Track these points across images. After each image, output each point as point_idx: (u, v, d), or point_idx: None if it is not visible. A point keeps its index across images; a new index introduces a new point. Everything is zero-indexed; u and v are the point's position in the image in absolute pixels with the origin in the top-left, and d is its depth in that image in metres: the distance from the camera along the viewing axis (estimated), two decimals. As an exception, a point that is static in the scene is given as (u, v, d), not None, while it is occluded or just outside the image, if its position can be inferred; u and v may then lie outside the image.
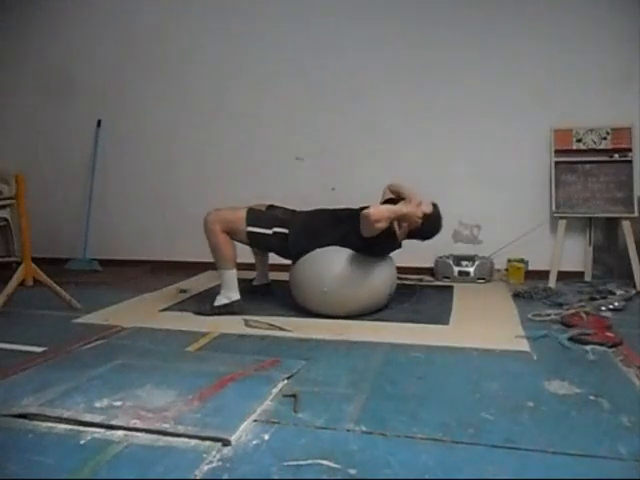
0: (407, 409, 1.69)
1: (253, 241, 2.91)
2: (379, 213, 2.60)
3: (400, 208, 2.72)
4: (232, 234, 2.88)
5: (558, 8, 3.60)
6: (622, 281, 3.43)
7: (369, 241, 2.70)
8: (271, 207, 3.13)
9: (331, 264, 2.76)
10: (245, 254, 3.21)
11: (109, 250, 4.47)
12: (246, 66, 4.13)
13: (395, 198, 3.01)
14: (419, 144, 3.85)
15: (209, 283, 3.64)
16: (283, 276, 3.52)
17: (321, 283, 2.73)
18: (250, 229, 2.86)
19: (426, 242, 3.63)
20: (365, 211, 2.60)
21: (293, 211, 3.09)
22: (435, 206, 2.87)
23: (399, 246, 2.93)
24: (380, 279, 2.83)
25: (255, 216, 2.91)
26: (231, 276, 2.88)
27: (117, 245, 4.49)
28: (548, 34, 3.62)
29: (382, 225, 2.59)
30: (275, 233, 2.87)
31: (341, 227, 2.83)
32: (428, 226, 2.84)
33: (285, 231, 2.87)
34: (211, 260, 4.17)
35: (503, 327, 2.58)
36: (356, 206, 3.00)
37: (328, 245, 2.83)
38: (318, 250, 2.82)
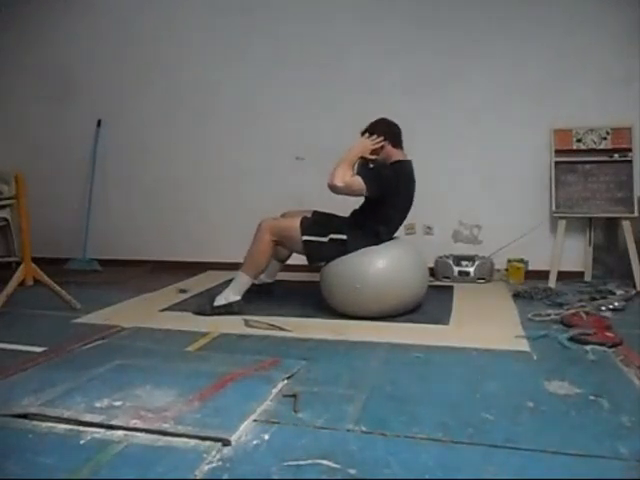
0: (407, 409, 1.69)
1: (309, 250, 2.86)
2: (335, 171, 2.73)
3: (344, 155, 2.80)
4: (285, 243, 2.91)
5: (558, 8, 3.59)
6: (622, 281, 3.43)
7: (369, 215, 2.84)
8: (316, 213, 3.08)
9: (364, 262, 2.75)
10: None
11: (109, 250, 4.47)
12: (246, 66, 4.13)
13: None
14: (419, 144, 3.83)
15: (209, 283, 3.64)
16: (283, 276, 3.53)
17: (354, 280, 2.71)
18: (306, 238, 2.84)
19: (426, 242, 3.66)
20: (329, 179, 2.72)
21: (337, 216, 3.05)
22: (378, 120, 2.94)
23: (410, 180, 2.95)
24: (413, 278, 2.82)
25: (309, 225, 2.89)
26: (246, 282, 2.90)
27: (117, 245, 4.49)
28: (548, 34, 3.62)
29: (343, 182, 2.70)
30: (331, 240, 2.84)
31: (371, 221, 2.89)
32: (385, 129, 2.90)
33: (342, 237, 2.83)
34: (211, 260, 4.23)
35: (503, 327, 2.58)
36: (355, 206, 3.02)
37: (379, 243, 2.85)
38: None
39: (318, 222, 2.95)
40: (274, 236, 2.87)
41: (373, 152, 2.89)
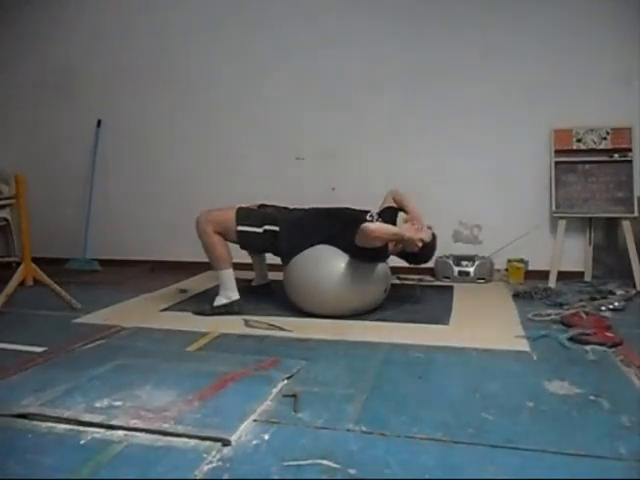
0: (407, 409, 1.69)
1: (244, 240, 2.89)
2: (380, 231, 2.62)
3: (403, 232, 2.72)
4: (224, 234, 2.87)
5: (558, 8, 3.59)
6: (622, 281, 3.43)
7: (359, 248, 2.69)
8: (262, 206, 3.11)
9: (324, 263, 2.75)
10: (244, 254, 3.20)
11: (109, 250, 4.47)
12: (246, 66, 4.13)
13: (396, 207, 3.02)
14: (419, 144, 3.85)
15: (209, 283, 3.64)
16: (283, 276, 3.53)
17: (315, 283, 2.73)
18: (240, 228, 2.85)
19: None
20: (367, 226, 2.59)
21: (285, 208, 3.08)
22: (434, 237, 2.87)
23: (386, 258, 2.93)
24: (374, 276, 2.82)
25: (245, 215, 2.89)
26: (228, 275, 2.88)
27: (117, 245, 4.49)
28: (548, 34, 3.62)
29: (379, 243, 2.63)
30: (266, 231, 2.86)
31: (333, 226, 2.83)
32: (421, 254, 2.83)
33: (276, 229, 2.86)
34: (211, 260, 4.23)
35: (503, 327, 2.58)
36: (355, 206, 3.01)
37: (318, 243, 2.81)
38: (310, 249, 2.81)
39: (255, 212, 2.96)
40: (213, 226, 2.84)
41: (407, 245, 2.77)
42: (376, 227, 2.63)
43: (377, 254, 2.79)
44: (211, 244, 2.84)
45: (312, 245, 2.82)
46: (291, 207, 3.10)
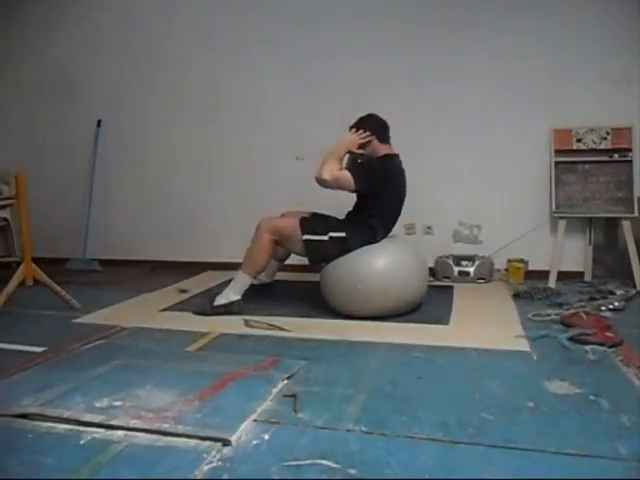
0: (407, 409, 1.69)
1: (310, 249, 2.86)
2: (319, 170, 2.75)
3: (331, 149, 2.83)
4: (284, 243, 2.91)
5: (558, 8, 3.59)
6: (622, 281, 3.43)
7: (375, 199, 2.83)
8: (316, 215, 3.07)
9: (364, 262, 2.75)
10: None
11: (109, 250, 4.47)
12: (246, 66, 4.13)
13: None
14: (419, 144, 3.84)
15: (209, 283, 3.64)
16: (283, 276, 3.54)
17: (354, 281, 2.71)
18: (307, 237, 2.84)
19: (426, 242, 3.65)
20: (316, 177, 2.74)
21: (332, 217, 3.04)
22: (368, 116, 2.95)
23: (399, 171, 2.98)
24: (413, 278, 2.82)
25: (309, 224, 2.89)
26: (246, 282, 2.91)
27: (117, 245, 4.49)
28: (548, 34, 3.61)
29: (330, 175, 2.73)
30: (332, 238, 2.84)
31: (366, 217, 2.89)
32: (377, 124, 2.92)
33: (342, 234, 2.83)
34: (211, 260, 4.23)
35: (503, 327, 2.58)
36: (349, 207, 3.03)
37: (378, 240, 2.86)
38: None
39: (317, 221, 2.96)
40: (273, 235, 2.87)
41: (361, 147, 2.91)
42: (317, 171, 2.76)
43: (376, 169, 2.84)
44: (259, 251, 2.87)
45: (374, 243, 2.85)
46: (331, 215, 3.09)
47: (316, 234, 2.85)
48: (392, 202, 2.93)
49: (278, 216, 3.06)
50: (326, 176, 2.73)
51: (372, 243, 2.83)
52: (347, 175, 2.77)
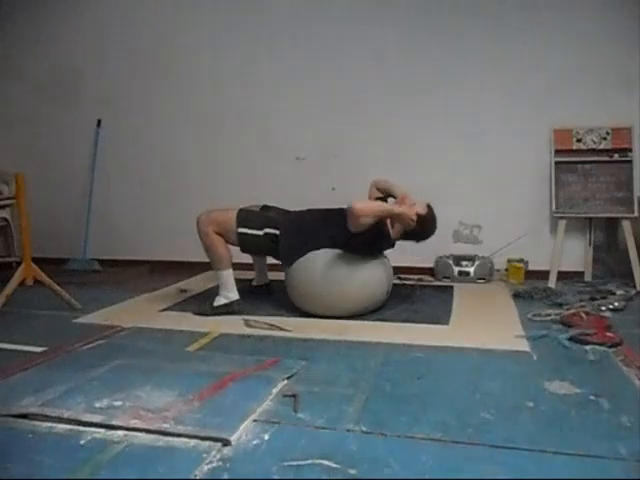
0: (407, 409, 1.69)
1: (243, 242, 2.85)
2: (366, 207, 2.61)
3: (392, 207, 2.71)
4: (224, 236, 2.86)
5: (558, 9, 3.59)
6: (622, 281, 3.43)
7: (358, 239, 2.66)
8: (265, 207, 3.08)
9: (325, 264, 2.74)
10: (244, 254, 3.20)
11: (109, 250, 4.47)
12: (247, 66, 4.13)
13: (384, 196, 3.00)
14: (419, 144, 3.85)
15: (209, 283, 3.64)
16: (282, 276, 3.53)
17: (318, 283, 2.72)
18: (241, 230, 2.82)
19: (426, 242, 3.63)
20: (353, 204, 2.56)
21: (286, 211, 3.05)
22: (430, 207, 2.85)
23: (392, 245, 2.92)
24: (375, 277, 2.82)
25: (246, 217, 2.87)
26: (228, 276, 2.88)
27: (117, 245, 4.49)
28: (548, 35, 3.62)
29: (367, 221, 2.57)
30: (266, 234, 2.83)
31: (331, 228, 2.79)
32: (422, 228, 2.81)
33: (276, 232, 2.83)
34: (211, 260, 4.23)
35: (503, 327, 2.58)
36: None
37: (319, 246, 2.78)
38: (313, 252, 2.79)
39: (256, 214, 2.93)
40: (214, 227, 2.83)
41: (402, 222, 2.76)
42: (360, 203, 2.60)
43: (379, 242, 2.77)
44: (211, 244, 2.83)
45: (313, 249, 2.79)
46: (291, 209, 3.07)
47: (251, 228, 2.83)
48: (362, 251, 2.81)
49: (218, 208, 2.99)
50: (367, 219, 2.56)
51: (301, 253, 2.78)
52: (369, 222, 2.58)
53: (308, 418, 1.63)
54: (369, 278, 2.80)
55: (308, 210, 3.02)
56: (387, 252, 3.00)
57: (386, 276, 2.91)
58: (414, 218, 2.72)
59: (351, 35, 3.91)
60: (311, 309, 2.82)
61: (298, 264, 2.81)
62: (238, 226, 2.83)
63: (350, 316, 2.76)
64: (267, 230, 2.84)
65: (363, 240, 2.68)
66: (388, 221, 2.79)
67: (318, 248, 2.78)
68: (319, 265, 2.76)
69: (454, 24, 3.75)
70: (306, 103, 4.04)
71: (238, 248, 2.92)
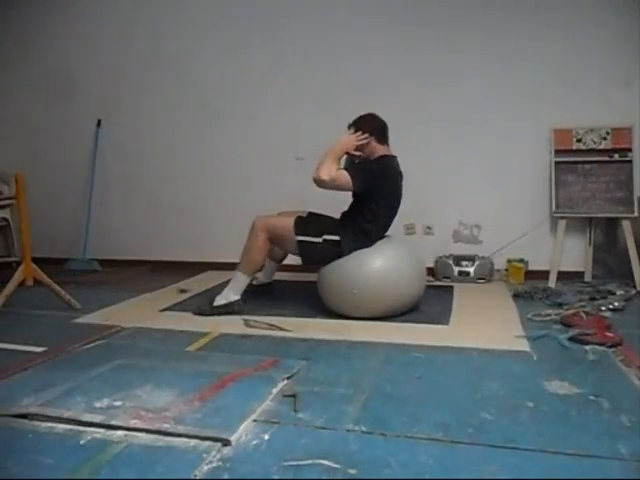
0: (407, 409, 1.69)
1: (304, 251, 2.84)
2: (317, 170, 2.70)
3: (331, 147, 2.77)
4: (279, 242, 2.89)
5: (558, 8, 3.59)
6: (622, 281, 3.43)
7: (373, 198, 2.79)
8: (311, 214, 3.03)
9: (361, 264, 2.73)
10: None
11: (109, 250, 4.47)
12: (246, 67, 4.13)
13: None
14: (419, 144, 3.84)
15: (209, 283, 3.64)
16: (282, 276, 3.54)
17: (351, 283, 2.70)
18: (300, 238, 2.82)
19: (426, 242, 3.64)
20: (313, 177, 2.69)
21: (329, 217, 3.01)
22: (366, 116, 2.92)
23: (393, 165, 2.93)
24: (409, 280, 2.81)
25: (303, 225, 2.86)
26: (244, 281, 2.90)
27: (117, 245, 4.49)
28: (548, 34, 3.61)
29: (331, 173, 2.68)
30: (325, 240, 2.81)
31: (361, 222, 2.85)
32: (371, 125, 2.88)
33: (336, 238, 2.80)
34: (211, 260, 4.23)
35: (503, 327, 2.58)
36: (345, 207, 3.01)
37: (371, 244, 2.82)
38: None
39: (312, 222, 2.92)
40: (268, 234, 2.85)
41: (359, 148, 2.87)
42: (314, 171, 2.70)
43: (375, 172, 2.79)
44: (255, 247, 2.85)
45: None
46: (326, 215, 3.03)
47: (310, 235, 2.83)
48: (387, 206, 2.89)
49: (275, 214, 3.05)
50: (324, 176, 2.68)
51: (365, 247, 2.79)
52: (345, 175, 2.72)
53: (308, 418, 1.63)
54: (404, 279, 2.78)
55: (342, 214, 3.02)
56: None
57: (419, 278, 2.88)
58: (354, 137, 2.82)
59: (353, 35, 3.91)
60: (342, 310, 2.79)
61: (332, 265, 2.79)
62: (297, 234, 2.83)
63: (383, 317, 2.73)
64: (326, 237, 2.82)
65: (372, 194, 2.78)
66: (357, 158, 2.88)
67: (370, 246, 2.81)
68: (355, 265, 2.74)
69: (454, 24, 3.75)
70: (306, 103, 4.04)
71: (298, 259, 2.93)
